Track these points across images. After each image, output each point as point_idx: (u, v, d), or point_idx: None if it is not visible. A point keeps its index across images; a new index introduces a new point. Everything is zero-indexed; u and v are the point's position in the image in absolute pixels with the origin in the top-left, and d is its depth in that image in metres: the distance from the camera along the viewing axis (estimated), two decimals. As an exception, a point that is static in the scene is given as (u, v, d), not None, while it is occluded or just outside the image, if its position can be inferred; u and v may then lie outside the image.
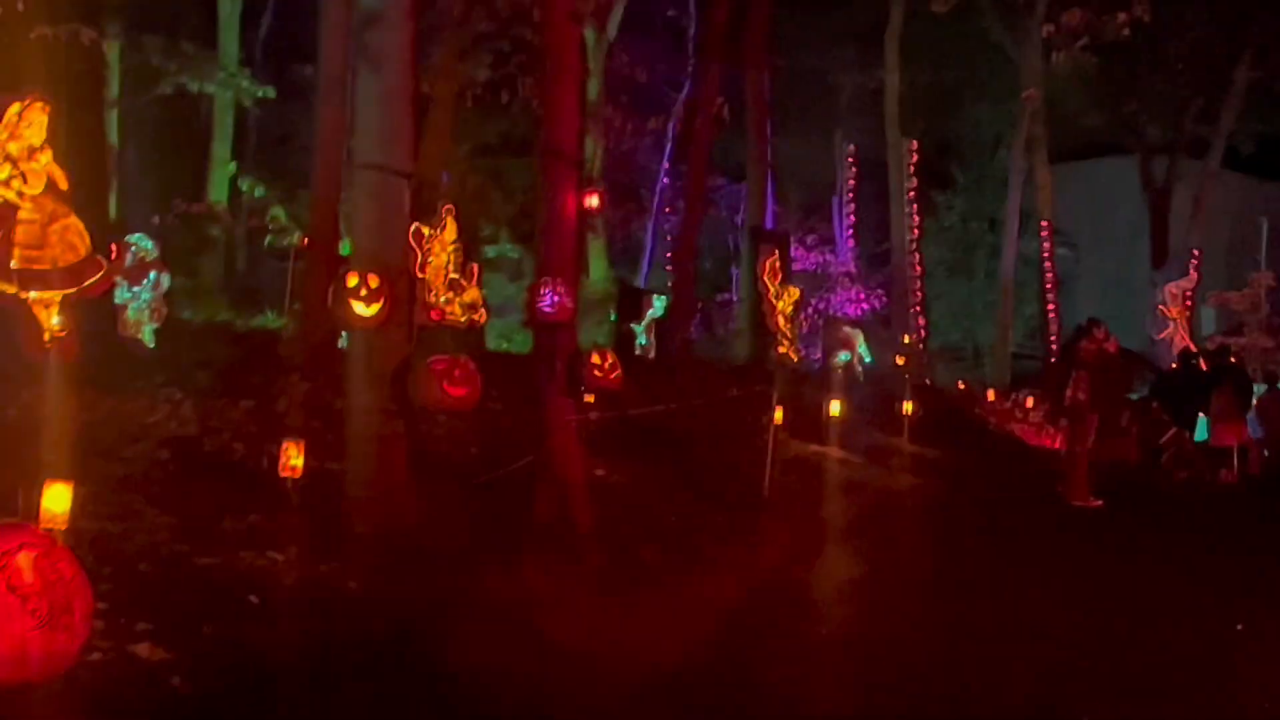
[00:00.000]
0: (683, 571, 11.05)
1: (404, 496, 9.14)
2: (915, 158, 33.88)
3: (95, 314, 14.22)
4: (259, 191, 24.56)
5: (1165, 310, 32.65)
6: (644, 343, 23.65)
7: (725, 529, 13.04)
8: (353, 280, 8.78)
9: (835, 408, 18.80)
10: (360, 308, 8.75)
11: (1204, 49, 35.41)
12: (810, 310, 30.97)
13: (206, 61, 25.41)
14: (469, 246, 15.59)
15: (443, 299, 14.17)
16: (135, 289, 15.15)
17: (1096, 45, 30.23)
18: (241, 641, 6.59)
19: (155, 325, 15.28)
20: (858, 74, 36.12)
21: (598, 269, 29.03)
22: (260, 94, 25.84)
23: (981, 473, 20.68)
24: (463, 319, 13.36)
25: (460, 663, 7.40)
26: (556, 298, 10.41)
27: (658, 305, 23.76)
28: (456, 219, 13.76)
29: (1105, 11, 28.39)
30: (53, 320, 12.58)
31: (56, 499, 6.03)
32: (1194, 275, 34.79)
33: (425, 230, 15.55)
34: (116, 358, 13.06)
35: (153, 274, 15.76)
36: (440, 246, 14.55)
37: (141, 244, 15.39)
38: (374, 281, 8.80)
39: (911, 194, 33.41)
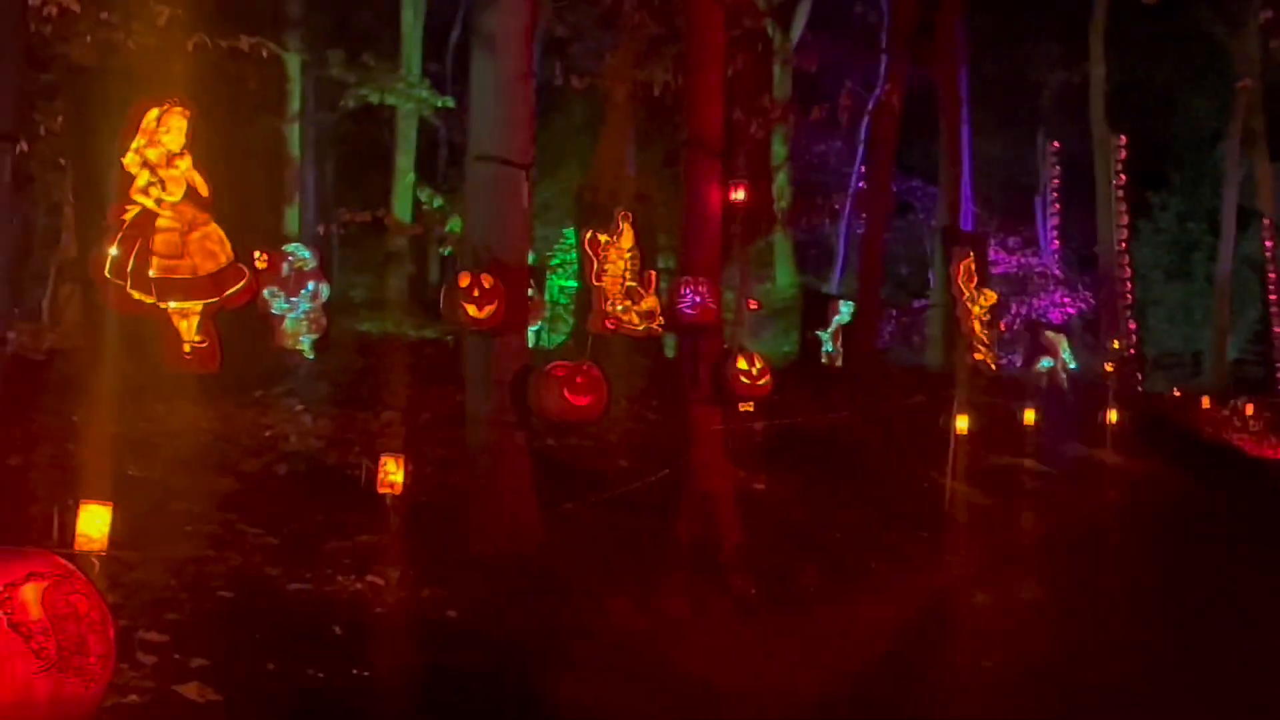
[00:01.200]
0: (843, 596, 10.15)
1: (526, 515, 8.44)
2: (1124, 154, 32.19)
3: (243, 324, 14.03)
4: (437, 202, 24.38)
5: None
6: (830, 350, 22.64)
7: (896, 548, 12.07)
8: (464, 280, 8.14)
9: (1030, 416, 17.58)
10: (472, 310, 8.09)
11: None
12: (1011, 315, 29.52)
13: (387, 73, 25.31)
14: (649, 254, 14.99)
15: (619, 307, 13.57)
16: (293, 299, 14.88)
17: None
18: (306, 680, 5.93)
19: (314, 336, 14.99)
20: (1061, 69, 34.49)
21: (784, 274, 28.13)
22: (440, 104, 25.63)
23: (1193, 486, 19.13)
24: (640, 327, 12.92)
25: (570, 702, 6.67)
26: (698, 299, 9.63)
27: (844, 311, 22.73)
28: (635, 225, 13.21)
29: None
30: (192, 331, 12.36)
31: (92, 521, 5.47)
32: None
33: (602, 237, 14.95)
34: (264, 369, 12.74)
35: (311, 284, 15.42)
36: (617, 254, 13.91)
37: (299, 254, 15.09)
38: (487, 282, 8.13)
39: (1120, 193, 31.73)
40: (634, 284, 12.84)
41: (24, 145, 16.53)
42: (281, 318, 14.89)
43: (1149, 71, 35.18)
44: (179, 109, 12.44)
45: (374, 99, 25.82)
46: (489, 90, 8.45)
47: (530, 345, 19.04)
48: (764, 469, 12.66)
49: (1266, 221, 32.49)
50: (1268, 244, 32.58)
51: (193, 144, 12.54)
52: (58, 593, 4.72)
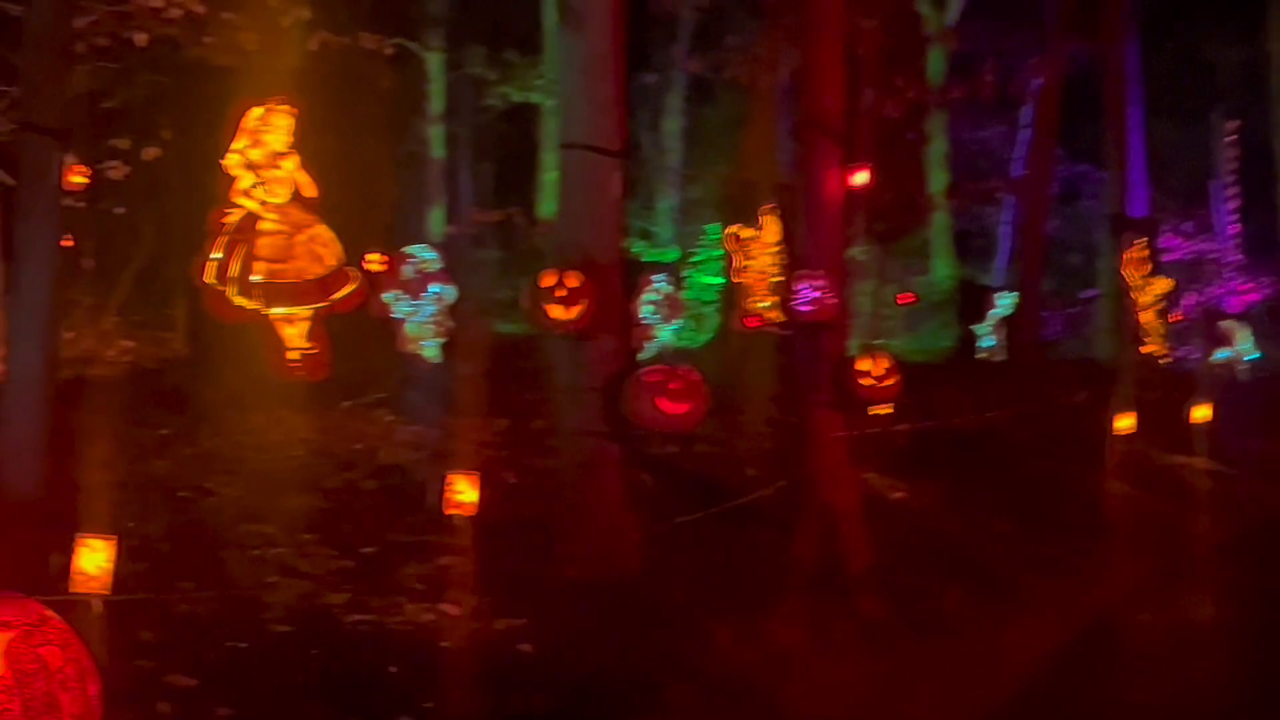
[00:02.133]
0: (990, 618, 9.21)
1: (622, 534, 7.69)
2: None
3: (356, 328, 13.54)
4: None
5: None
6: (990, 344, 21.49)
7: (1053, 560, 11.03)
8: (549, 279, 7.42)
9: (1204, 411, 16.26)
10: (558, 311, 7.37)
11: None
12: (1186, 304, 27.87)
13: (529, 70, 24.86)
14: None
15: (763, 304, 12.84)
16: (416, 302, 14.35)
17: None
18: (342, 731, 5.27)
19: (440, 340, 14.44)
20: (1238, 45, 32.55)
21: (942, 266, 26.97)
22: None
23: None
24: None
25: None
26: (816, 293, 8.77)
27: (1003, 304, 21.53)
28: (781, 219, 12.47)
29: None
30: (300, 338, 11.86)
31: (91, 558, 4.86)
32: None
33: (744, 232, 14.23)
34: (375, 375, 12.21)
35: (435, 287, 14.80)
36: (760, 248, 13.21)
37: (422, 255, 14.54)
38: (574, 280, 7.40)
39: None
40: (779, 279, 12.20)
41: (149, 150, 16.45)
42: (404, 321, 14.39)
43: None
44: (284, 107, 11.91)
45: (516, 97, 25.43)
46: (575, 70, 7.73)
47: (672, 345, 18.48)
48: (905, 476, 11.76)
49: None
50: None
51: (307, 144, 12.09)
52: (25, 645, 4.11)
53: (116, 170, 16.21)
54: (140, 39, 15.43)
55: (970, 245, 31.63)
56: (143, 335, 14.34)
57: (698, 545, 8.61)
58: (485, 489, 8.12)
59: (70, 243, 13.57)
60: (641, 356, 17.94)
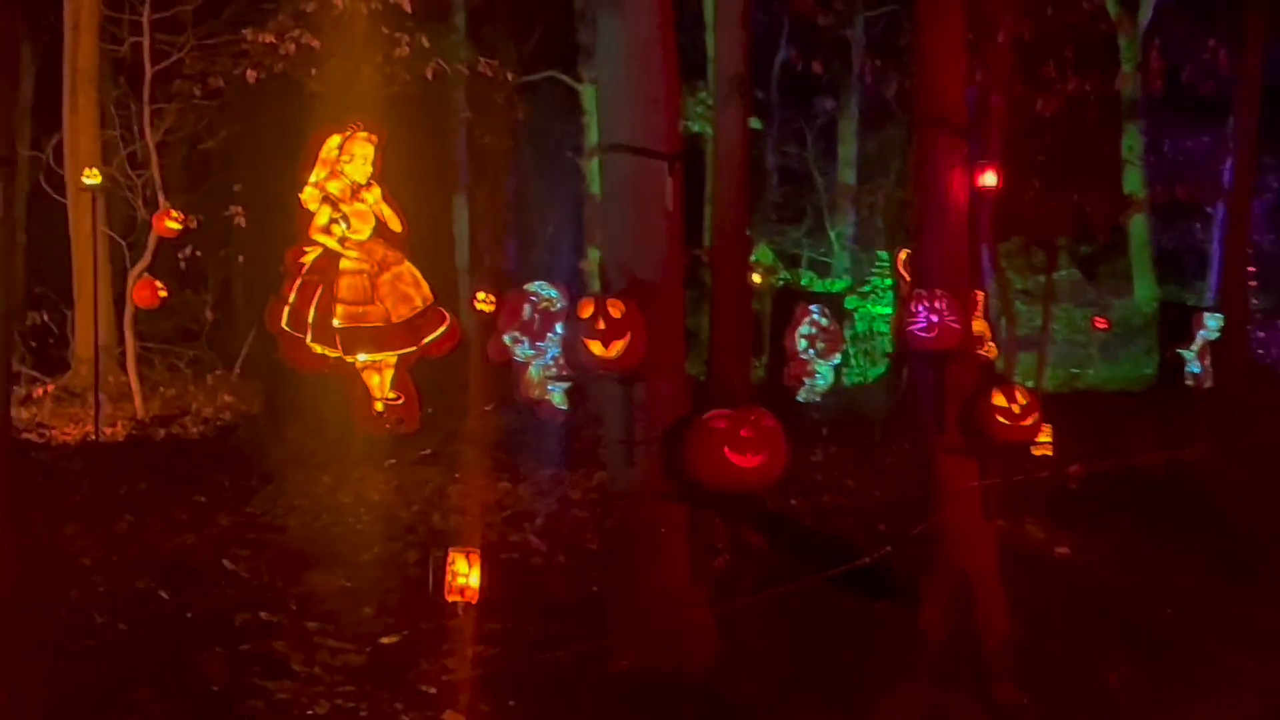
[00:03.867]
0: (1164, 700, 7.59)
1: (687, 615, 6.35)
2: None
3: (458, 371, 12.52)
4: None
5: None
6: (1196, 370, 19.49)
7: (1251, 624, 9.24)
8: (587, 309, 6.15)
9: None
10: (597, 347, 6.09)
11: None
12: None
13: (688, 98, 23.74)
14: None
15: None
16: (539, 344, 13.27)
17: None
18: None
19: (566, 385, 13.33)
20: None
21: (1143, 287, 24.97)
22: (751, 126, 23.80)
23: None
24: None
25: None
26: (935, 317, 7.30)
27: (1211, 325, 19.51)
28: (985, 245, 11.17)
29: None
30: (385, 387, 10.80)
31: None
32: None
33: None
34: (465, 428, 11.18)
35: (560, 327, 13.67)
36: None
37: (544, 293, 13.46)
38: (617, 310, 6.11)
39: None
40: None
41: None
42: (525, 365, 13.33)
43: None
44: (363, 134, 10.89)
45: (695, 127, 24.39)
46: (617, 60, 6.45)
47: (830, 382, 17.05)
48: (1073, 527, 10.12)
49: None
50: None
51: (395, 176, 11.01)
52: None
53: (237, 215, 15.71)
54: (251, 75, 14.87)
55: (1179, 265, 29.51)
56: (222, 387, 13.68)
57: (799, 622, 7.22)
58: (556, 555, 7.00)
59: (164, 292, 12.98)
60: (801, 395, 16.61)
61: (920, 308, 7.36)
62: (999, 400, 7.38)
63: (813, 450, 12.02)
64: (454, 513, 8.35)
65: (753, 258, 22.33)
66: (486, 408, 12.16)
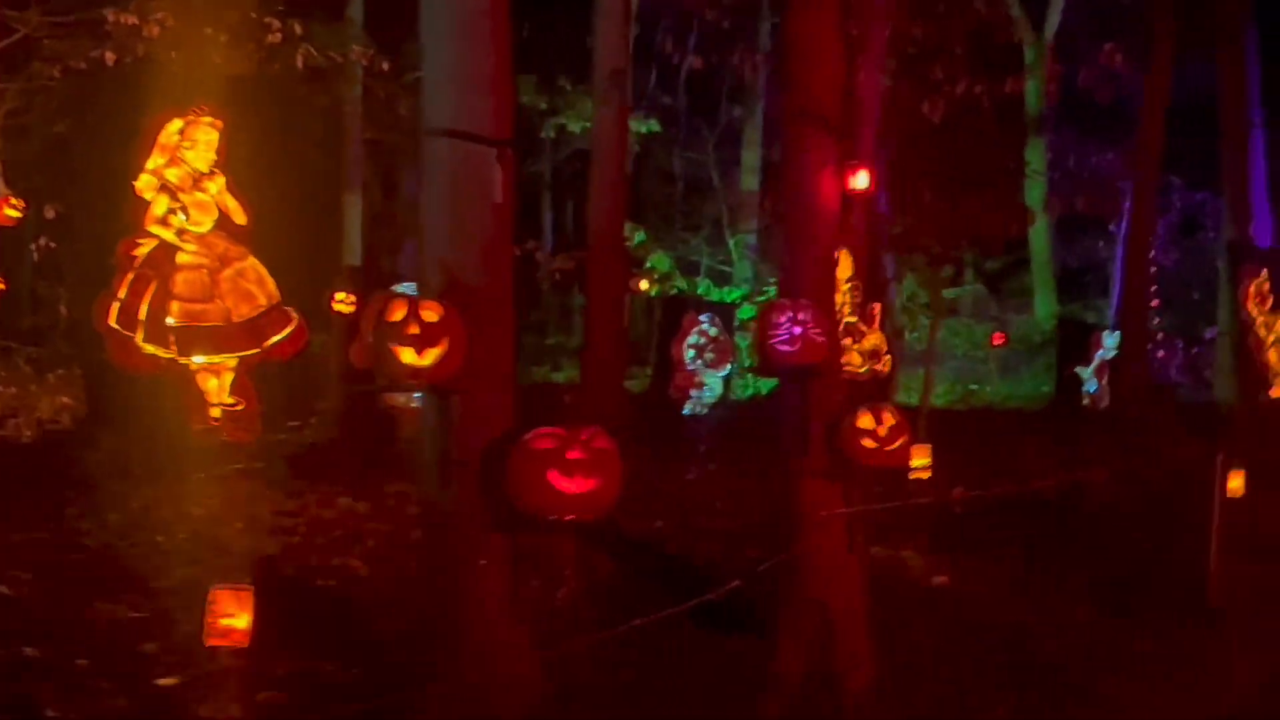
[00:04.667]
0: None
1: (511, 656, 5.65)
2: None
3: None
4: (639, 237, 21.99)
5: None
6: (1093, 389, 19.22)
7: (1145, 660, 8.74)
8: (396, 311, 5.44)
9: (1336, 469, 13.75)
10: (408, 356, 5.39)
11: None
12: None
13: (586, 98, 23.19)
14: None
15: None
16: (418, 354, 12.56)
17: None
18: None
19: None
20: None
21: (1044, 304, 24.69)
22: (646, 129, 23.33)
23: None
24: (862, 369, 10.85)
25: None
26: (799, 329, 6.68)
27: (1110, 344, 19.25)
28: (855, 253, 10.70)
29: None
30: (223, 392, 9.99)
31: None
32: None
33: None
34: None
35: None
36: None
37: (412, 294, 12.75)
38: (431, 313, 5.42)
39: None
40: (854, 319, 10.81)
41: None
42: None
43: None
44: (207, 119, 10.09)
45: (573, 126, 23.86)
46: (441, 33, 5.74)
47: (719, 394, 16.48)
48: (956, 555, 9.58)
49: None
50: None
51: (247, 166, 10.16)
52: None
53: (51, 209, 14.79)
54: (110, 58, 13.99)
55: (1081, 282, 29.42)
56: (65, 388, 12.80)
57: (646, 660, 6.57)
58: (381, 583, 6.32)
59: (3, 284, 12.08)
60: (687, 408, 16.03)
61: (783, 319, 6.73)
62: (865, 422, 6.78)
63: (690, 468, 11.42)
64: (277, 533, 7.60)
65: (648, 264, 21.85)
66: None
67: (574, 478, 5.42)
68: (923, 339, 19.81)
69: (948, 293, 25.69)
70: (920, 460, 9.11)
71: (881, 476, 8.90)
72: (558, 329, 25.28)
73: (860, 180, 7.46)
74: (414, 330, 5.42)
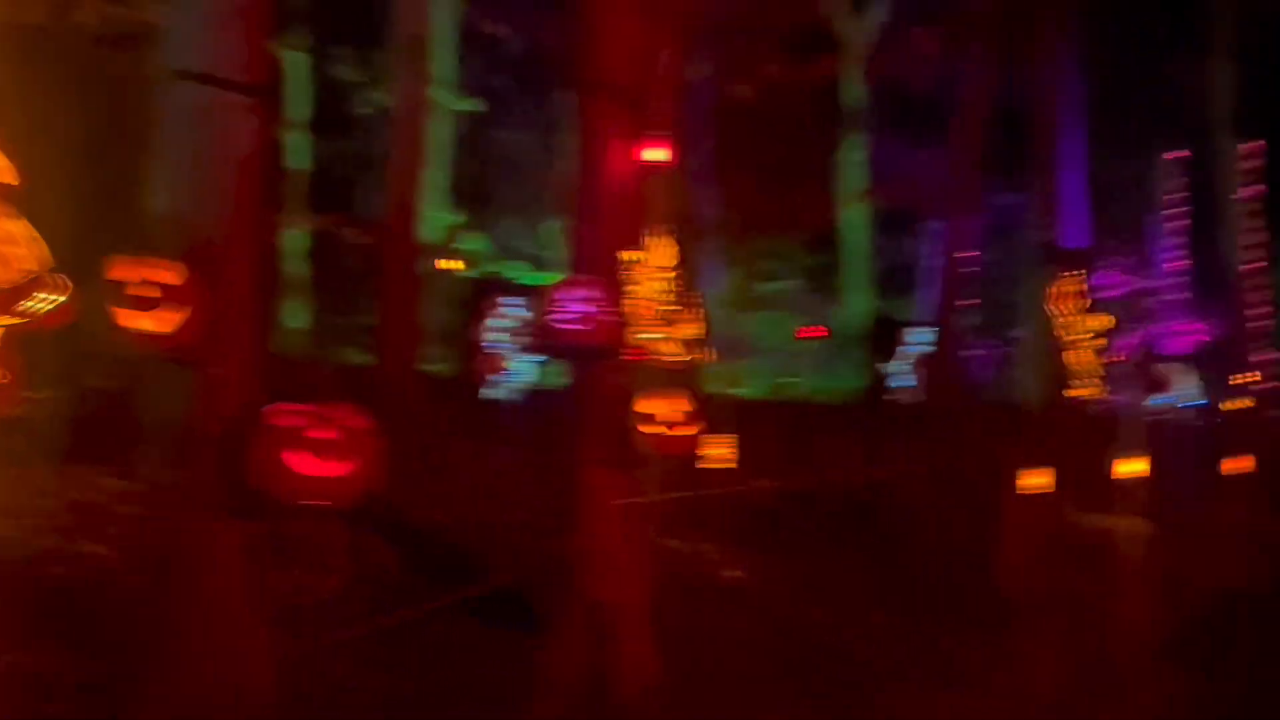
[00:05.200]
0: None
1: (244, 656, 5.12)
2: (1259, 163, 28.21)
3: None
4: (454, 218, 21.36)
5: None
6: (904, 385, 19.31)
7: (942, 659, 8.59)
8: (131, 275, 4.91)
9: (1133, 466, 13.90)
10: (143, 321, 4.86)
11: None
12: (1125, 344, 25.75)
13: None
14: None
15: (651, 335, 10.74)
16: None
17: None
18: None
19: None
20: (1186, 71, 30.64)
21: (858, 299, 24.70)
22: (467, 108, 22.65)
23: None
24: (681, 357, 10.35)
25: None
26: (587, 307, 6.27)
27: (917, 340, 19.36)
28: (679, 238, 10.36)
29: None
30: (-23, 363, 9.24)
31: None
32: None
33: (630, 255, 12.22)
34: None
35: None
36: (648, 273, 11.09)
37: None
38: (170, 275, 4.90)
39: (1255, 206, 27.79)
40: (675, 307, 10.44)
41: None
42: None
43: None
44: (-36, 65, 9.38)
45: (389, 102, 23.08)
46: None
47: (529, 379, 15.99)
48: (754, 550, 9.29)
49: None
50: None
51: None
52: None
53: None
54: None
55: (897, 279, 29.67)
56: None
57: (407, 658, 6.11)
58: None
59: None
60: (490, 392, 15.55)
61: (570, 296, 6.32)
62: (655, 409, 6.41)
63: (488, 454, 10.97)
64: (21, 516, 6.95)
65: (462, 246, 21.28)
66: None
67: (326, 460, 4.94)
68: (741, 329, 19.78)
69: (768, 286, 25.72)
70: (722, 451, 8.83)
71: (684, 468, 8.63)
72: (368, 310, 24.50)
73: (657, 154, 7.09)
74: (148, 295, 4.89)
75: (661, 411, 6.41)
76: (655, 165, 6.83)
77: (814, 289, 27.86)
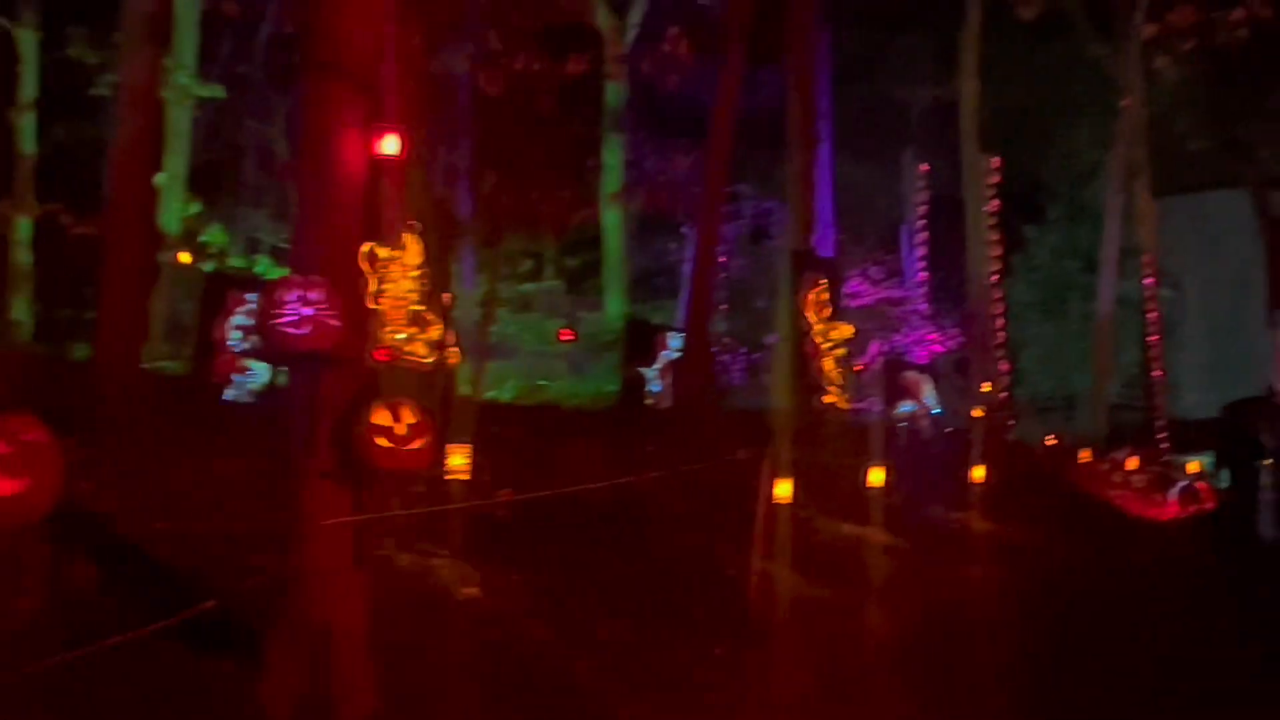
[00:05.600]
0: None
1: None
2: (998, 179, 29.22)
3: None
4: (193, 208, 20.44)
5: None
6: (657, 390, 19.19)
7: (679, 675, 8.40)
8: None
9: (881, 474, 14.07)
10: None
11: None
12: (873, 352, 26.36)
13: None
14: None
15: (400, 335, 10.37)
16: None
17: (1206, 52, 26.02)
18: None
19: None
20: (932, 87, 31.57)
21: (614, 303, 24.67)
22: (208, 94, 21.68)
23: (1071, 556, 15.36)
24: (429, 360, 10.02)
25: None
26: (309, 310, 5.83)
27: (674, 345, 19.27)
28: (424, 237, 10.00)
29: (1217, 8, 24.28)
30: None
31: None
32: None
33: (382, 252, 11.81)
34: None
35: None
36: (400, 271, 10.69)
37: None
38: None
39: (994, 219, 28.75)
40: (421, 308, 10.16)
41: None
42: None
43: (1025, 98, 32.55)
44: None
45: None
46: None
47: (270, 380, 15.26)
48: (490, 564, 8.93)
49: (1147, 259, 29.80)
50: (1148, 281, 29.86)
51: None
52: None
53: None
54: None
55: (653, 284, 29.71)
56: None
57: (105, 691, 5.56)
58: None
59: None
60: (229, 394, 14.75)
61: (290, 297, 5.87)
62: (380, 418, 6.00)
63: (216, 461, 10.31)
64: None
65: (202, 238, 20.36)
66: None
67: (-5, 477, 4.40)
68: (497, 331, 19.39)
69: (523, 287, 25.41)
70: (458, 460, 8.47)
71: (421, 478, 8.23)
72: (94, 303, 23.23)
73: (389, 145, 6.65)
74: None
75: (388, 422, 6.00)
76: (388, 158, 6.43)
77: (573, 291, 27.71)
